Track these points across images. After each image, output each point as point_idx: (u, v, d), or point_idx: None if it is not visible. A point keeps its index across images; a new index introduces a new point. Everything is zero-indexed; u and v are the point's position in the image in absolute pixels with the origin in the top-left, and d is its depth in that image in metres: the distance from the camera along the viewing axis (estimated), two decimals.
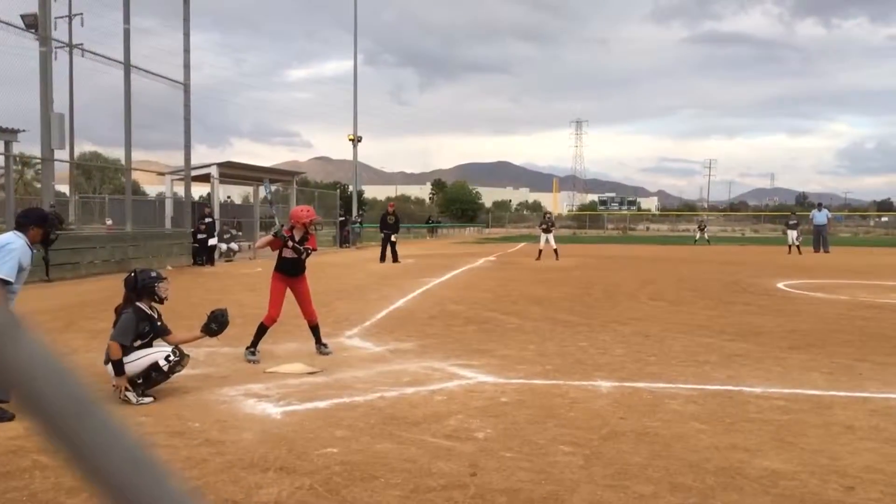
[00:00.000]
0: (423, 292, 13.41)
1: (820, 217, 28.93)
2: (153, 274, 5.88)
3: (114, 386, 5.44)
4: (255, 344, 7.10)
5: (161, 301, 5.86)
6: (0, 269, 5.05)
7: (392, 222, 22.88)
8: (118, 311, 5.74)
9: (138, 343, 5.59)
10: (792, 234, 28.36)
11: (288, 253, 7.31)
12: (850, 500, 3.62)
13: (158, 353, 5.59)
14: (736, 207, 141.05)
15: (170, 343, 5.80)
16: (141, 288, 5.73)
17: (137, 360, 5.50)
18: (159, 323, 5.84)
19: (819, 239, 28.55)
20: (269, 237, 7.49)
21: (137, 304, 5.69)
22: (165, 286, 5.86)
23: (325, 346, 7.43)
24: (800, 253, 27.20)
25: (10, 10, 15.43)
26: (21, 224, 5.44)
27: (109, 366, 5.50)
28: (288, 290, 7.39)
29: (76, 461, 0.45)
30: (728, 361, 7.04)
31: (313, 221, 7.53)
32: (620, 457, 4.24)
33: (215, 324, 6.10)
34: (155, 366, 5.51)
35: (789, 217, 30.81)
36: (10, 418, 4.84)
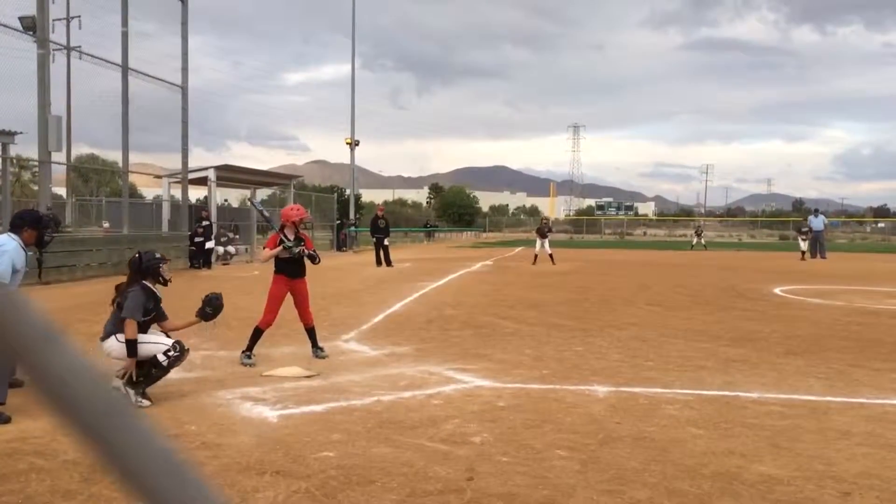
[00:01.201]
0: (420, 296, 13.41)
1: (817, 223, 29.04)
2: (157, 255, 5.93)
3: (120, 371, 5.41)
4: (250, 347, 7.09)
5: (165, 282, 5.89)
6: None
7: (383, 226, 22.85)
8: (120, 289, 5.74)
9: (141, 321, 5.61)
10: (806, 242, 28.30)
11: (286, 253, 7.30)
12: None
13: (158, 346, 5.57)
14: (733, 213, 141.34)
15: (165, 329, 5.82)
16: (145, 268, 5.76)
17: (140, 346, 5.49)
18: (161, 305, 5.87)
19: (816, 245, 28.65)
20: (276, 250, 7.30)
21: (144, 282, 5.72)
22: (168, 268, 5.95)
23: (321, 349, 7.43)
24: (805, 258, 27.22)
25: (8, 12, 15.43)
26: (15, 226, 5.44)
27: (107, 342, 5.47)
28: (288, 295, 7.39)
29: (111, 465, 0.46)
30: (725, 367, 7.04)
31: (303, 220, 7.53)
32: (617, 462, 4.24)
33: (210, 307, 6.13)
34: (154, 361, 5.50)
35: (802, 224, 30.72)
36: (7, 420, 4.82)
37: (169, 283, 5.96)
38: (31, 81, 15.53)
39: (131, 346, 5.40)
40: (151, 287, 5.76)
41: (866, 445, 4.59)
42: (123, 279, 5.92)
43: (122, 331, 5.45)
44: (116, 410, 0.47)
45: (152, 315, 5.72)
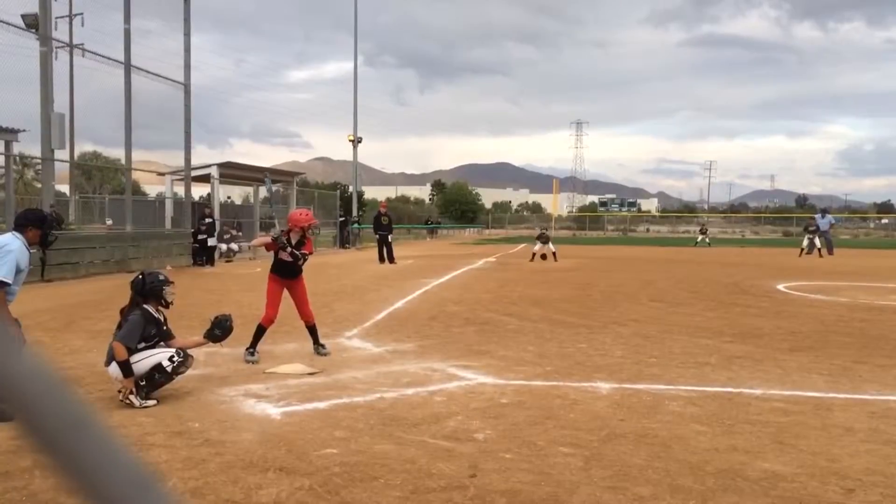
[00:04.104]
0: (423, 293, 13.41)
1: (823, 223, 29.15)
2: (161, 277, 5.82)
3: (120, 388, 5.42)
4: (254, 345, 7.10)
5: (167, 305, 5.83)
6: None
7: (386, 223, 22.83)
8: (123, 312, 5.71)
9: (142, 345, 5.55)
10: (816, 240, 28.31)
11: (284, 256, 7.31)
12: (849, 503, 3.62)
13: (162, 354, 5.56)
14: (736, 209, 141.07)
15: (171, 345, 5.77)
16: (148, 291, 5.69)
17: (141, 361, 5.47)
18: (165, 327, 5.81)
19: (821, 242, 28.75)
20: (267, 238, 7.49)
21: (145, 306, 5.67)
22: (172, 290, 5.82)
23: (322, 346, 7.43)
24: (802, 255, 27.36)
25: (11, 9, 15.44)
26: (19, 225, 5.44)
27: (111, 367, 5.47)
28: (286, 291, 7.41)
29: (72, 479, 0.44)
30: (728, 363, 7.03)
31: (311, 226, 7.53)
32: (620, 458, 4.24)
33: (219, 329, 6.06)
34: (158, 367, 5.47)
35: (809, 223, 30.68)
36: (11, 418, 4.83)
37: (171, 306, 5.87)
38: (33, 79, 15.55)
39: (123, 366, 5.35)
40: (153, 311, 5.70)
41: (870, 442, 4.58)
42: (125, 278, 5.90)
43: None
44: (82, 422, 0.44)
45: (154, 340, 5.64)
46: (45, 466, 0.44)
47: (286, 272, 7.38)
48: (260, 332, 7.14)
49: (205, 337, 6.07)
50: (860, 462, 4.19)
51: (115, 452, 0.45)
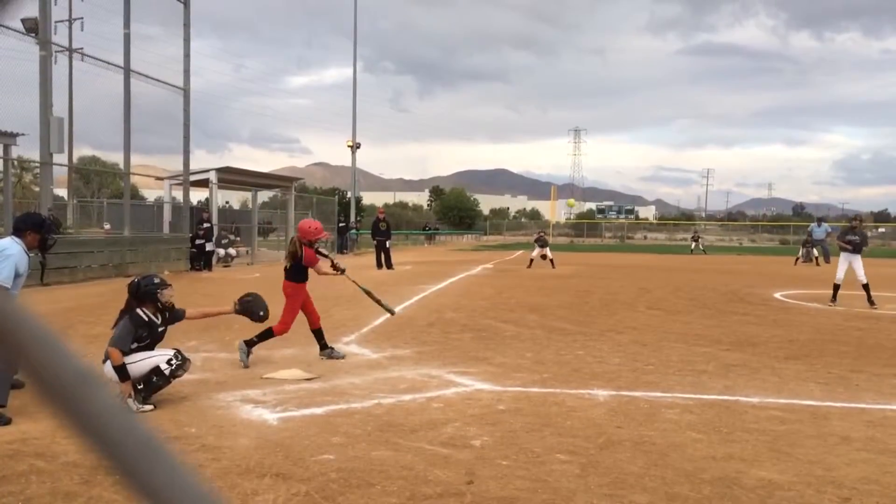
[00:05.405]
0: (421, 299, 13.41)
1: (819, 232, 29.29)
2: (156, 280, 5.84)
3: (120, 391, 5.41)
4: (256, 343, 7.07)
5: (164, 308, 5.84)
6: None
7: (384, 228, 22.86)
8: (122, 314, 5.74)
9: (135, 346, 5.55)
10: (813, 249, 28.56)
11: (326, 269, 7.72)
12: None
13: (160, 357, 5.56)
14: (733, 217, 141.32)
15: (191, 317, 6.03)
16: (143, 294, 5.71)
17: (139, 363, 5.47)
18: (161, 329, 5.81)
19: (819, 252, 28.89)
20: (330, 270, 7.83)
21: (137, 310, 5.67)
22: (170, 292, 5.83)
23: (332, 349, 7.48)
24: (797, 263, 27.54)
25: (10, 13, 15.44)
26: (18, 229, 5.44)
27: (106, 365, 5.46)
28: None
29: (148, 499, 0.49)
30: (725, 371, 7.04)
31: (319, 240, 7.69)
32: (617, 466, 4.24)
33: (262, 311, 6.50)
34: (156, 370, 5.48)
35: (806, 240, 30.83)
36: (7, 422, 4.83)
37: (167, 309, 5.89)
38: (32, 83, 15.56)
39: (120, 371, 5.36)
40: (148, 314, 5.70)
41: (866, 451, 4.59)
42: (123, 283, 5.91)
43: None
44: (151, 449, 0.49)
45: (147, 342, 5.65)
46: (126, 490, 0.49)
47: (303, 277, 7.52)
48: (267, 335, 7.16)
49: (239, 311, 6.42)
50: (856, 471, 4.20)
51: (184, 475, 0.50)
